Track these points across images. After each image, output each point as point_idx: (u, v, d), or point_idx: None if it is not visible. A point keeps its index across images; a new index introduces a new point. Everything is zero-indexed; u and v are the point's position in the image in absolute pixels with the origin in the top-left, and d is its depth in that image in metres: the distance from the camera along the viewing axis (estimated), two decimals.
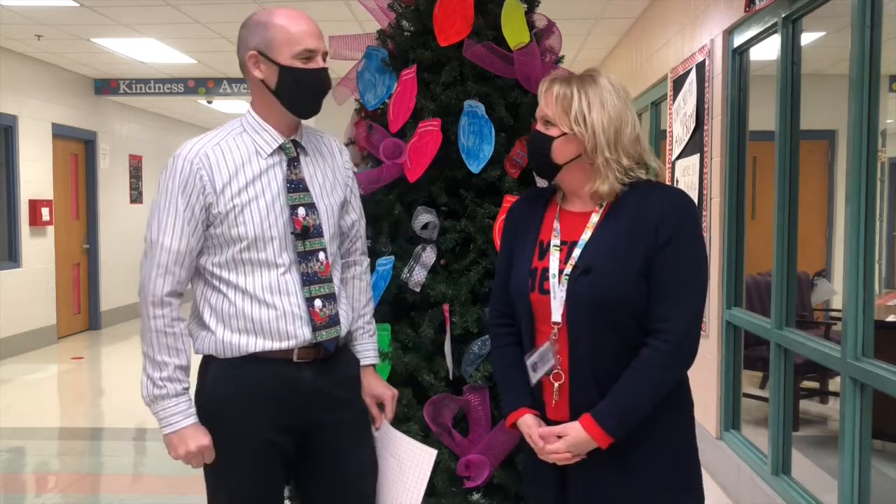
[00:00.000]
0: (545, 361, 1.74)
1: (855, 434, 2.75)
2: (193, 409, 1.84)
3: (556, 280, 1.72)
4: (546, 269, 1.75)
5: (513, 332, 1.86)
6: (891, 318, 5.32)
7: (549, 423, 1.78)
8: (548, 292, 1.73)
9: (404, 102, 2.37)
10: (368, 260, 2.17)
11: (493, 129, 2.31)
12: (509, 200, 2.29)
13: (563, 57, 2.53)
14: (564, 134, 1.72)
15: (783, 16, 3.40)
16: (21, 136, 7.94)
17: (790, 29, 3.42)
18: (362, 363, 2.06)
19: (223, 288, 1.84)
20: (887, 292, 7.21)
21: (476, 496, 2.30)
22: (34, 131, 8.20)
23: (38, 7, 6.22)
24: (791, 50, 3.43)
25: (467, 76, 2.37)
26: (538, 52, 2.38)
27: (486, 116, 2.31)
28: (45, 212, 8.21)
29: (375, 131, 2.43)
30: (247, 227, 1.81)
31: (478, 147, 2.32)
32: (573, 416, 1.72)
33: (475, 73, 2.36)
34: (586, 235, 1.73)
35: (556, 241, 1.77)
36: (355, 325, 2.07)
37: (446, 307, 2.30)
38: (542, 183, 2.36)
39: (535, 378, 1.77)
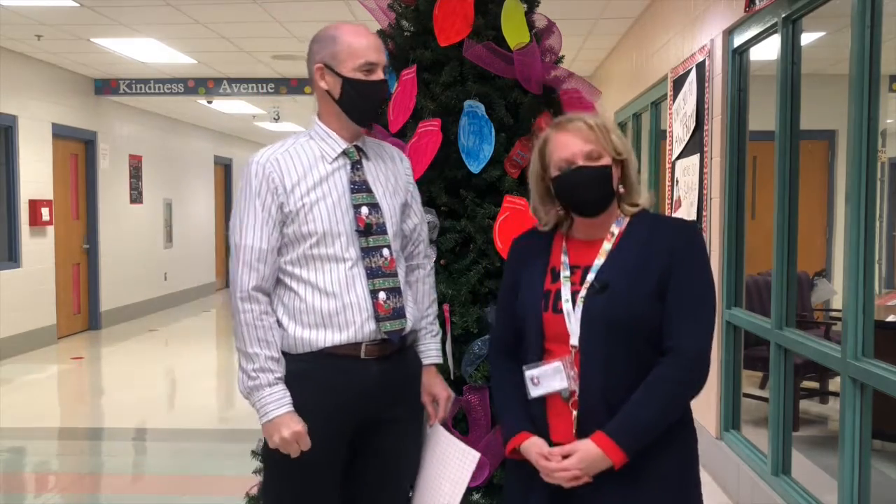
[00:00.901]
0: (552, 380, 1.73)
1: (855, 434, 2.75)
2: (288, 399, 1.90)
3: (571, 304, 1.74)
4: (559, 291, 1.76)
5: (516, 360, 1.84)
6: (891, 318, 5.32)
7: (550, 444, 1.76)
8: (561, 312, 1.74)
9: (404, 102, 2.37)
10: (432, 264, 2.23)
11: (493, 129, 2.31)
12: (509, 200, 2.29)
13: (563, 57, 2.52)
14: (612, 161, 1.78)
15: (783, 16, 3.40)
16: (21, 136, 7.94)
17: (790, 29, 3.42)
18: (424, 362, 2.13)
19: (294, 285, 1.95)
20: (887, 292, 7.22)
21: (476, 496, 2.30)
22: (34, 131, 8.20)
23: (38, 7, 6.22)
24: (791, 50, 3.43)
25: (467, 76, 2.37)
26: (538, 52, 2.38)
27: (486, 116, 2.31)
28: (45, 212, 8.21)
29: (375, 131, 2.43)
30: (316, 223, 1.92)
31: (478, 147, 2.32)
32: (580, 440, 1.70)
33: (475, 73, 2.36)
34: (600, 260, 1.76)
35: (565, 271, 1.79)
36: (419, 325, 2.14)
37: (446, 307, 2.30)
38: None
39: (534, 393, 1.75)
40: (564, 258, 1.81)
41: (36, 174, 8.20)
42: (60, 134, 8.75)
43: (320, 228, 1.92)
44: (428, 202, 2.38)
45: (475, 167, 2.31)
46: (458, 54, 2.35)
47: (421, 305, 2.15)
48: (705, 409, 4.29)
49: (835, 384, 5.18)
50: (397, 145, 2.35)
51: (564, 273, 1.78)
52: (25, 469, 4.66)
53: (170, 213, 12.03)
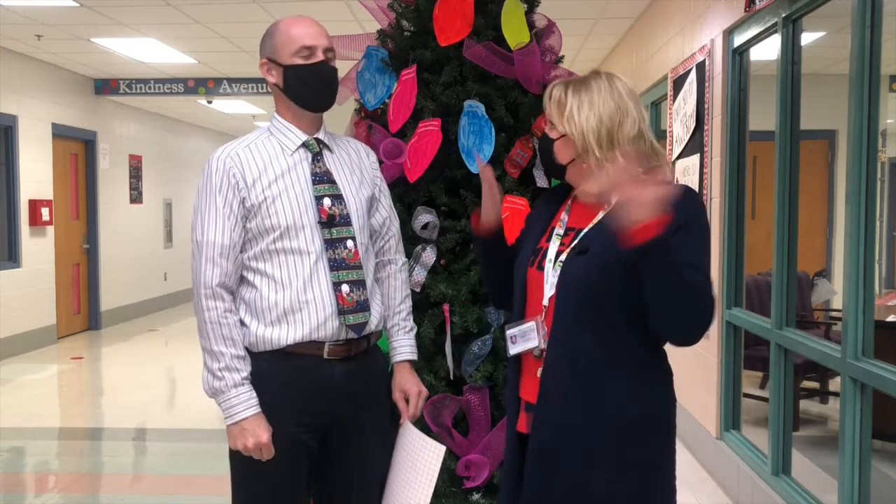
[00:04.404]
0: (526, 339, 1.77)
1: (855, 434, 2.75)
2: (255, 400, 1.88)
3: (552, 264, 1.75)
4: (547, 251, 1.79)
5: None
6: (891, 318, 5.31)
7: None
8: (543, 270, 1.77)
9: (404, 102, 2.37)
10: (405, 259, 2.20)
11: (493, 129, 2.31)
12: (509, 200, 2.29)
13: (563, 57, 2.53)
14: (563, 135, 1.75)
15: (783, 16, 3.41)
16: (21, 136, 7.94)
17: (790, 29, 3.42)
18: (397, 359, 2.12)
19: (256, 280, 1.93)
20: (887, 292, 7.21)
21: (476, 496, 2.30)
22: (34, 131, 8.20)
23: (38, 7, 6.22)
24: (791, 50, 3.43)
25: (467, 76, 2.37)
26: (538, 52, 2.38)
27: (486, 116, 2.32)
28: (45, 212, 8.21)
29: (375, 131, 2.43)
30: (279, 216, 1.91)
31: (478, 147, 2.32)
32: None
33: (475, 73, 2.37)
34: (591, 225, 1.76)
35: (560, 230, 1.80)
36: (391, 322, 2.13)
37: (446, 307, 2.30)
38: (542, 182, 2.36)
39: (512, 350, 1.80)
40: (564, 217, 1.82)
41: (36, 174, 8.20)
42: (60, 134, 8.75)
43: (283, 221, 1.91)
44: (428, 202, 2.39)
45: (475, 167, 2.31)
46: (458, 54, 2.35)
47: (392, 301, 2.13)
48: (705, 409, 4.29)
49: (835, 384, 5.18)
50: (397, 145, 2.35)
51: (558, 232, 1.80)
52: (25, 469, 4.65)
53: (170, 213, 12.03)
